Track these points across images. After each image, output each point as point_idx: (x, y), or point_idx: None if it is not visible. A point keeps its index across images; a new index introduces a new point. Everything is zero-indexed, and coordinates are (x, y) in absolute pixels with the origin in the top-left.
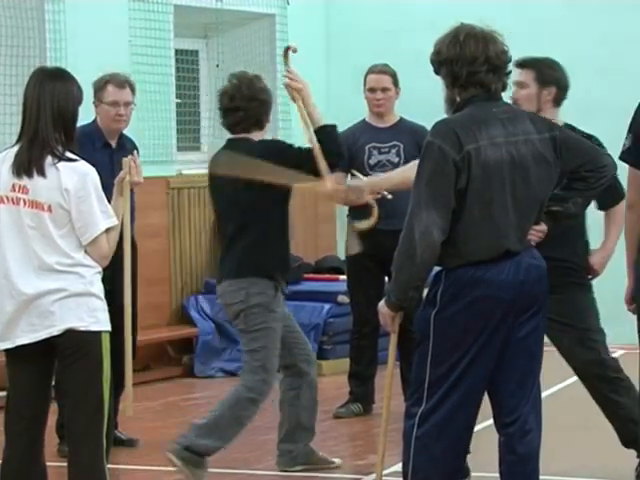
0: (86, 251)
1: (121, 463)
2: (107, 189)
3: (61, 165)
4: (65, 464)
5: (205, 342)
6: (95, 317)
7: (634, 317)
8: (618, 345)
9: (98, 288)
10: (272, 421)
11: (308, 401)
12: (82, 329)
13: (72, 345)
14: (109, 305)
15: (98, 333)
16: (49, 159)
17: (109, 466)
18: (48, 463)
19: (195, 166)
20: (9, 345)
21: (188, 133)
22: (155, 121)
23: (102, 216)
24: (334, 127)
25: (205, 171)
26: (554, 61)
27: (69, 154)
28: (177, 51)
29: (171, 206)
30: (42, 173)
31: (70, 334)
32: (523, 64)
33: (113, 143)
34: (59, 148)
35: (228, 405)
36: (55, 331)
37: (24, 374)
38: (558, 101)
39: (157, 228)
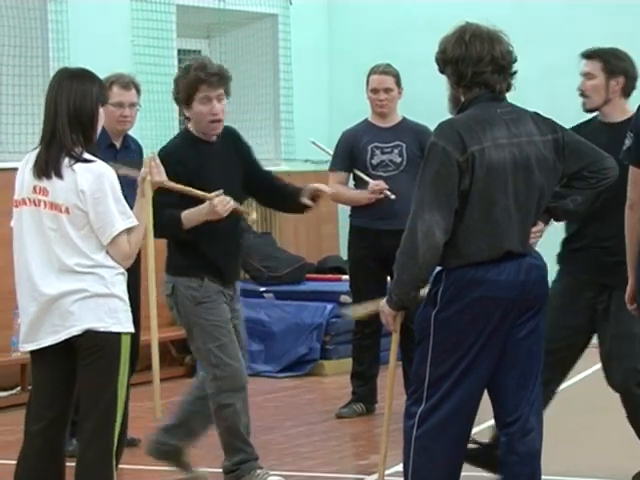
0: (108, 252)
1: (122, 463)
2: None
3: (77, 166)
4: (72, 464)
5: None
6: (116, 318)
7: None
8: None
9: (120, 289)
10: (272, 421)
11: (199, 414)
12: (102, 329)
13: (91, 345)
14: None
15: (118, 334)
16: (66, 160)
17: None
18: None
19: None
20: (34, 347)
21: None
22: (157, 121)
23: (120, 217)
24: None
25: None
26: (621, 51)
27: (87, 155)
28: (180, 51)
29: None
30: (59, 175)
31: (89, 334)
32: (590, 55)
33: (117, 144)
34: (76, 149)
35: None
36: (75, 331)
37: (47, 376)
38: (627, 91)
39: None
